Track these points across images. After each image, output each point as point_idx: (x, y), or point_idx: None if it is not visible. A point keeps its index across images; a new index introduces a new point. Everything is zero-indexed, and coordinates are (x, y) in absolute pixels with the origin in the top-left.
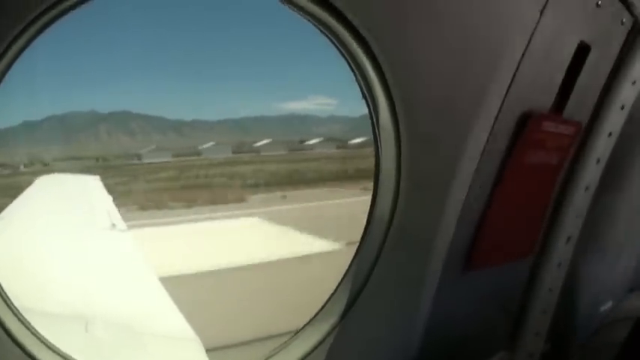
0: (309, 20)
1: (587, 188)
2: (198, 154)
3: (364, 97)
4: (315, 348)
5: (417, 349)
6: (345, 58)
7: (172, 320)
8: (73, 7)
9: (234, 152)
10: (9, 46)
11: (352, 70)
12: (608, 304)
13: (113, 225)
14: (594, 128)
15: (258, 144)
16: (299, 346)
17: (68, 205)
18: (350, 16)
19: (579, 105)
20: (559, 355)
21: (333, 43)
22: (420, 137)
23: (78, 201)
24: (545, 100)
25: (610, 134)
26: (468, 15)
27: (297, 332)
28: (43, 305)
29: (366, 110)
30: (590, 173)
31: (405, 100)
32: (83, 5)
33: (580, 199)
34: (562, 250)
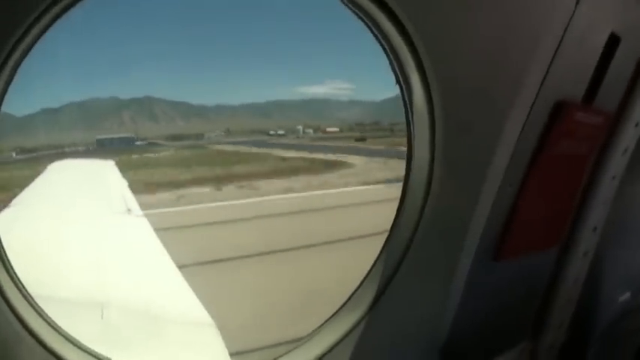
0: (345, 3)
1: (613, 178)
2: None
3: (398, 82)
4: (345, 336)
5: (445, 338)
6: (380, 42)
7: (189, 306)
8: None
9: None
10: (22, 36)
11: (387, 55)
12: (629, 294)
13: (129, 210)
14: (622, 119)
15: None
16: (329, 335)
17: (82, 190)
18: (388, 0)
19: (608, 96)
20: (579, 344)
21: (368, 26)
22: (455, 123)
23: (93, 186)
24: (577, 90)
25: (637, 125)
26: (506, 3)
27: (327, 320)
28: (57, 292)
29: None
30: (617, 163)
31: (441, 85)
32: None
33: (606, 188)
34: (588, 239)
